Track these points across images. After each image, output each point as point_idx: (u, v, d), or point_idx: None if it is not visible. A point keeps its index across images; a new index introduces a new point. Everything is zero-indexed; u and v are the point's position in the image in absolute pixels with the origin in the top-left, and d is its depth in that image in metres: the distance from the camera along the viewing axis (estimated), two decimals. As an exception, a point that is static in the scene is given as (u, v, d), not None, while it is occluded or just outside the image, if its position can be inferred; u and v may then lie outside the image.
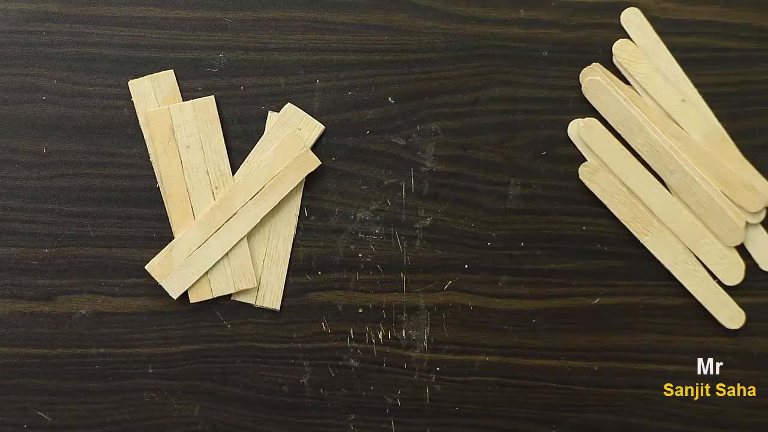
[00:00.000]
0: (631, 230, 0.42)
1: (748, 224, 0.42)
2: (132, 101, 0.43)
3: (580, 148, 0.43)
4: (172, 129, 0.43)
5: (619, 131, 0.43)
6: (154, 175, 0.43)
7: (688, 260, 0.42)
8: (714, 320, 0.42)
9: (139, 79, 0.43)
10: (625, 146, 0.43)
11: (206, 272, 0.42)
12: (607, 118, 0.43)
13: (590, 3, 0.44)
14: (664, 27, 0.44)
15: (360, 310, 0.42)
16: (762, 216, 0.42)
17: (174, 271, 0.42)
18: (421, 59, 0.44)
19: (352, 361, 0.42)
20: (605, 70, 0.43)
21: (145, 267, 0.42)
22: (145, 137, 0.43)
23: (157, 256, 0.42)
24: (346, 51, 0.44)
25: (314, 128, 0.43)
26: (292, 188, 0.42)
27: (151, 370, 0.42)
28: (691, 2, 0.44)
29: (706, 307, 0.42)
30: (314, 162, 0.42)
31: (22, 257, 0.43)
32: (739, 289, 0.42)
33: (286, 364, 0.42)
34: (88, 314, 0.43)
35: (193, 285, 0.42)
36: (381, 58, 0.44)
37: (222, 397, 0.42)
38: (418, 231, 0.43)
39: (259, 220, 0.42)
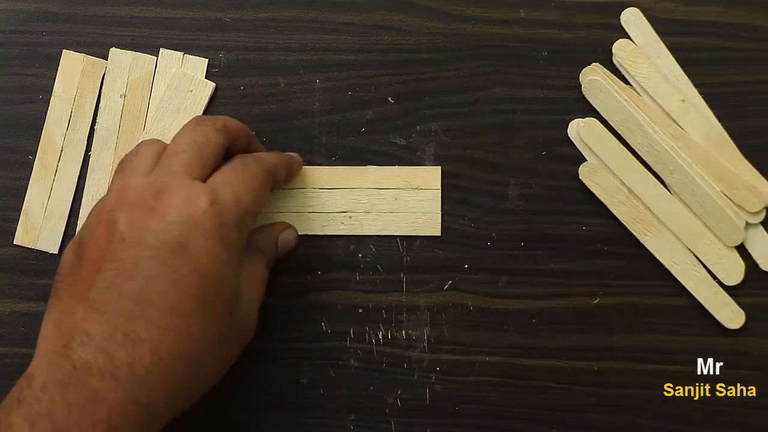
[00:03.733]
0: (631, 230, 0.42)
1: (748, 224, 0.42)
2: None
3: (580, 148, 0.43)
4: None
5: (619, 131, 0.43)
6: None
7: (688, 260, 0.42)
8: (714, 320, 0.42)
9: (123, 50, 0.43)
10: (625, 146, 0.43)
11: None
12: (607, 118, 0.43)
13: (590, 3, 0.44)
14: (664, 27, 0.44)
15: (360, 310, 0.42)
16: (762, 216, 0.42)
17: (41, 230, 0.42)
18: (421, 59, 0.44)
19: (352, 361, 0.42)
20: (605, 70, 0.43)
21: (14, 243, 0.42)
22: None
23: (18, 226, 0.42)
24: (346, 51, 0.44)
25: (206, 88, 0.43)
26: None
27: (151, 370, 0.42)
28: (691, 2, 0.44)
29: (706, 307, 0.42)
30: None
31: (22, 257, 0.43)
32: (739, 289, 0.42)
33: (286, 364, 0.42)
34: (88, 314, 0.42)
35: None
36: (381, 58, 0.44)
37: (222, 397, 0.42)
38: (418, 231, 0.43)
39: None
